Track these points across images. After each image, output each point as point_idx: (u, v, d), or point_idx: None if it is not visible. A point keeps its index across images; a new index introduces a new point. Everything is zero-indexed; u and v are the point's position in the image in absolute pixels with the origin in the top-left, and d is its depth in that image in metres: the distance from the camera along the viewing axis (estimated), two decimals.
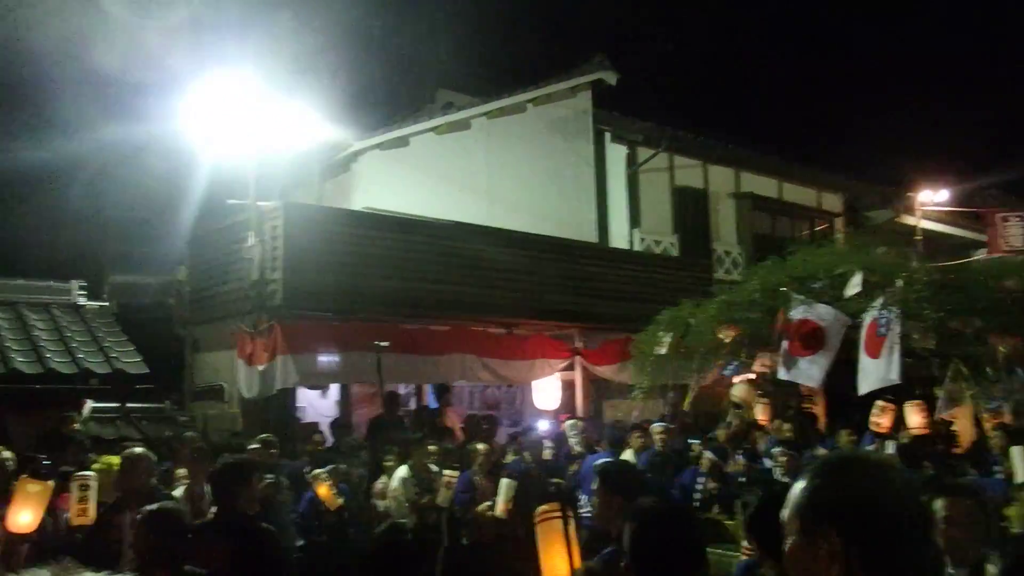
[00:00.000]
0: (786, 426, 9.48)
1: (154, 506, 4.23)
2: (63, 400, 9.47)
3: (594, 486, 4.27)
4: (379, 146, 13.27)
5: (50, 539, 5.82)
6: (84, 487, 6.57)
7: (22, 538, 5.59)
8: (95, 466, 7.42)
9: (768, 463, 8.59)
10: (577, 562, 3.92)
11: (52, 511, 7.12)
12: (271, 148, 11.10)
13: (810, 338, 8.42)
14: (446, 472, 8.19)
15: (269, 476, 8.09)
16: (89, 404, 9.90)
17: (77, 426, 9.10)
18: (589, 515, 7.76)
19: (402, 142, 13.53)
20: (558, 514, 4.06)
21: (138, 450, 6.24)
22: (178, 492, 7.38)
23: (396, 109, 15.73)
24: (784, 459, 7.93)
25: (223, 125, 10.60)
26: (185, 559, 3.93)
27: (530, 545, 4.15)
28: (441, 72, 17.94)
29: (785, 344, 8.72)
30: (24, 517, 5.61)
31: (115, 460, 7.51)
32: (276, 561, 4.77)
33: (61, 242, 18.18)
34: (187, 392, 12.26)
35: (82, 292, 11.32)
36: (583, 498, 8.02)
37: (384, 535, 4.05)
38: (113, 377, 9.78)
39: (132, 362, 9.98)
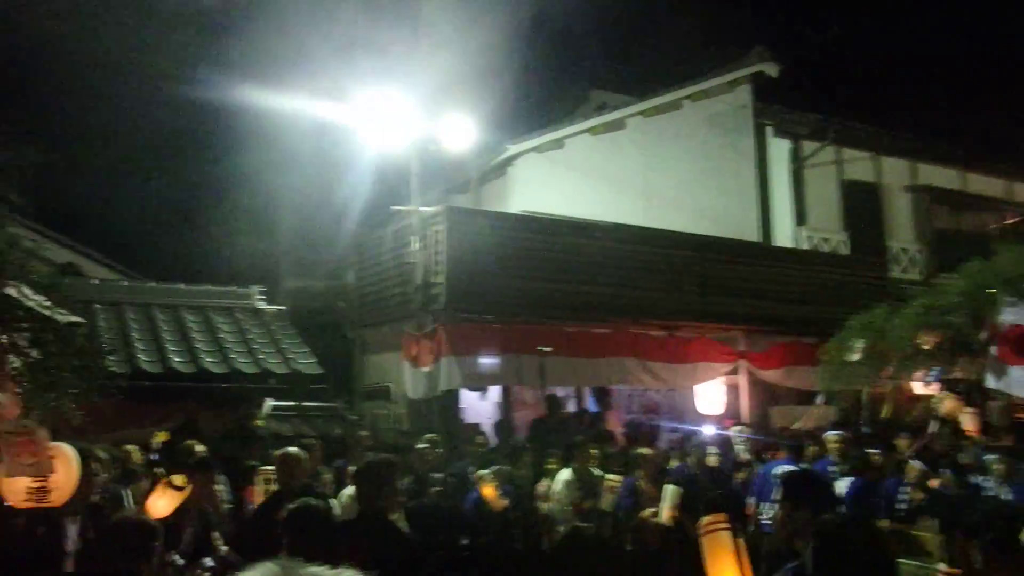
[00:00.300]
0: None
1: (299, 503, 4.36)
2: (246, 398, 10.04)
3: (777, 497, 4.05)
4: (535, 149, 13.34)
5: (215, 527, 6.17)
6: (268, 480, 6.93)
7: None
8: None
9: (978, 478, 7.95)
10: None
11: (240, 501, 7.61)
12: (432, 154, 11.39)
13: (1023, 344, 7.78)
14: (609, 476, 8.07)
15: (437, 475, 8.29)
16: (268, 402, 10.43)
17: (259, 423, 9.62)
18: (769, 525, 7.50)
19: (557, 144, 13.55)
20: (725, 525, 3.88)
21: (292, 450, 6.48)
22: (348, 491, 7.64)
23: (551, 112, 15.79)
24: (1001, 467, 7.35)
25: (387, 133, 10.96)
26: (326, 556, 4.03)
27: (696, 556, 3.99)
28: (594, 73, 17.88)
29: (994, 351, 8.08)
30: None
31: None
32: (411, 562, 4.82)
33: (240, 250, 19.44)
34: (356, 392, 12.75)
35: (261, 296, 11.99)
36: (762, 507, 7.74)
37: (567, 539, 4.00)
38: (290, 377, 10.27)
39: (307, 363, 10.46)
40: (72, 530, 4.20)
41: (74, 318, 2.76)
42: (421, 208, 11.00)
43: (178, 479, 5.42)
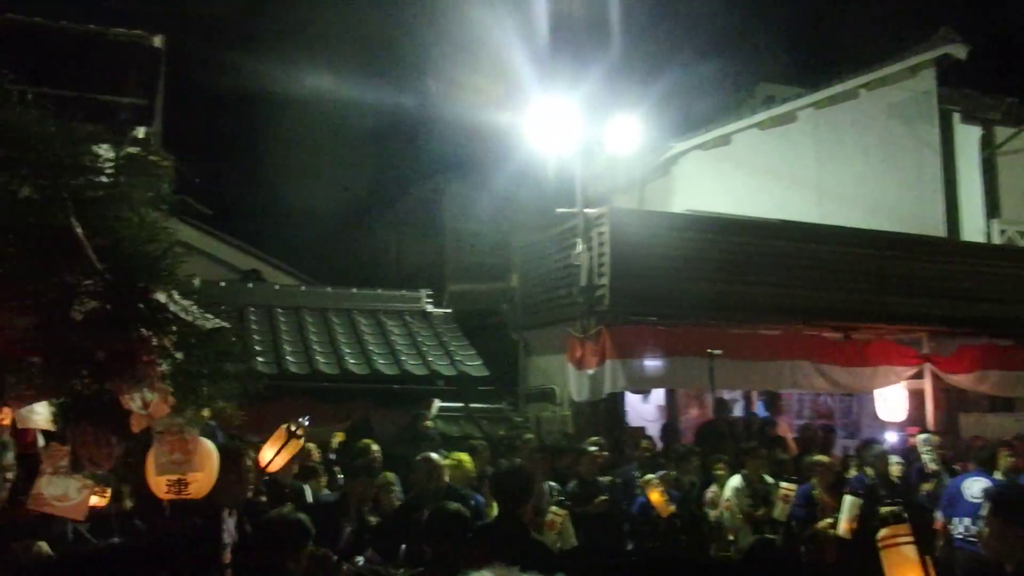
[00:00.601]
0: None
1: (436, 508, 4.41)
2: (416, 399, 10.33)
3: (985, 512, 3.71)
4: (699, 146, 13.01)
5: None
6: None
7: None
8: (446, 461, 7.93)
9: None
10: None
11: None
12: (595, 155, 11.33)
13: None
14: (783, 484, 7.72)
15: (604, 479, 8.22)
16: (437, 403, 10.67)
17: (429, 423, 9.86)
18: (963, 539, 6.96)
19: (723, 141, 13.15)
20: (909, 538, 3.58)
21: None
22: None
23: (716, 107, 15.34)
24: None
25: (549, 136, 11.00)
26: (463, 559, 4.05)
27: (876, 572, 3.70)
28: (760, 65, 17.24)
29: None
30: None
31: (464, 457, 8.02)
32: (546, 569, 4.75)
33: (407, 255, 20.10)
34: (521, 394, 12.86)
35: (429, 300, 12.32)
36: (954, 522, 7.20)
37: (755, 549, 3.81)
38: (458, 379, 10.50)
39: (474, 365, 10.65)
40: (230, 523, 4.44)
41: (218, 323, 2.88)
42: (585, 210, 10.95)
43: None
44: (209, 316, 2.81)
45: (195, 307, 2.76)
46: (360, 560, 5.87)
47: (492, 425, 11.43)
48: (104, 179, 2.70)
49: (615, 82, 11.99)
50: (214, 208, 15.88)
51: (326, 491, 8.15)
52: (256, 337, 10.68)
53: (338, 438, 9.71)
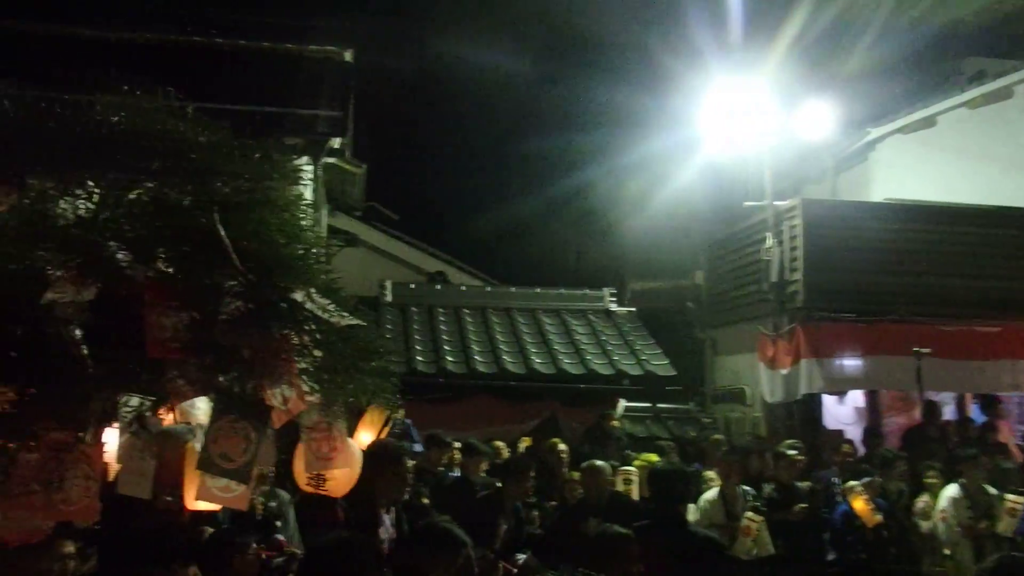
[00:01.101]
0: None
1: (605, 530, 4.27)
2: (602, 399, 10.26)
3: None
4: (900, 130, 12.12)
5: None
6: (628, 481, 6.99)
7: None
8: (636, 462, 7.82)
9: None
10: None
11: None
12: (783, 145, 10.83)
13: None
14: (1009, 496, 7.06)
15: (802, 485, 7.80)
16: (622, 403, 10.56)
17: (615, 423, 9.76)
18: None
19: (927, 123, 12.19)
20: None
21: (598, 462, 6.39)
22: (710, 495, 7.44)
23: (917, 87, 14.25)
24: None
25: (733, 127, 10.62)
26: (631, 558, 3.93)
27: None
28: (966, 38, 15.84)
29: None
30: None
31: (653, 457, 7.88)
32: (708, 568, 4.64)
33: (587, 253, 20.08)
34: (708, 394, 12.51)
35: (612, 299, 12.23)
36: None
37: (999, 568, 3.42)
38: (644, 378, 10.34)
39: (660, 364, 10.47)
40: (387, 520, 4.59)
41: (354, 321, 2.89)
42: (775, 202, 10.49)
43: None
44: (344, 315, 2.84)
45: (333, 306, 2.81)
46: (519, 557, 5.86)
47: (679, 426, 11.20)
48: (248, 184, 2.78)
49: (804, 64, 11.37)
50: (400, 213, 16.55)
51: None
52: (444, 337, 10.97)
53: (525, 443, 9.81)
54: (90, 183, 2.67)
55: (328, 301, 2.80)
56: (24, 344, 2.70)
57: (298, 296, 2.67)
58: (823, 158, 12.46)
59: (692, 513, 7.46)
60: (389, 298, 11.75)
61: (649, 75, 13.58)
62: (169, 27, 10.50)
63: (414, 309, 11.63)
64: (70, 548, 3.46)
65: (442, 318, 11.53)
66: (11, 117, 2.59)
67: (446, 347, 10.66)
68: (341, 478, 3.59)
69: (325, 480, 3.57)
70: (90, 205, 2.68)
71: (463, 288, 12.79)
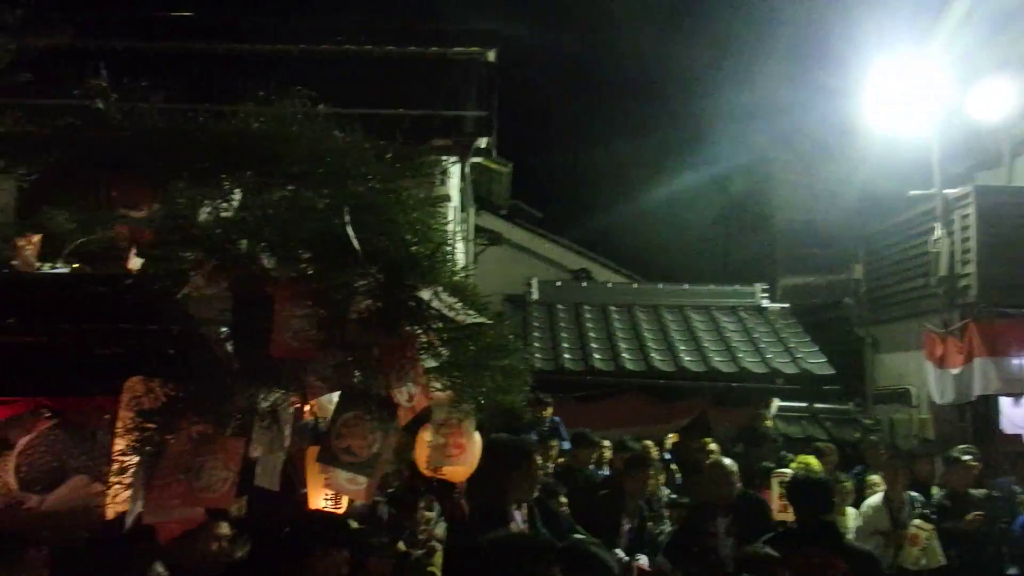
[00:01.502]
0: None
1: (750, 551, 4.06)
2: (754, 398, 9.95)
3: None
4: None
5: None
6: (784, 483, 6.70)
7: None
8: (792, 464, 7.53)
9: None
10: None
11: None
12: (953, 128, 10.13)
13: None
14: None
15: (978, 492, 7.28)
16: (776, 402, 10.20)
17: (768, 423, 9.44)
18: None
19: None
20: None
21: (726, 461, 6.10)
22: (874, 500, 7.08)
23: None
24: None
25: (897, 110, 10.02)
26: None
27: None
28: None
29: None
30: None
31: (812, 460, 7.54)
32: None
33: (735, 248, 19.54)
34: (869, 394, 11.89)
35: (764, 295, 11.83)
36: None
37: None
38: (799, 377, 9.94)
39: (817, 363, 10.03)
40: (517, 516, 4.52)
41: (479, 319, 2.85)
42: (944, 191, 9.83)
43: None
44: (470, 313, 2.83)
45: (460, 304, 2.80)
46: (641, 560, 5.71)
47: (838, 427, 10.68)
48: (380, 185, 2.81)
49: (977, 39, 10.52)
50: (543, 210, 16.64)
51: (664, 488, 8.12)
52: (592, 335, 10.93)
53: (672, 439, 9.64)
54: (229, 187, 2.80)
55: (455, 299, 2.82)
56: (172, 342, 2.86)
57: (425, 295, 2.71)
58: (998, 141, 11.55)
59: (854, 519, 7.13)
60: (536, 296, 11.81)
61: (802, 58, 13.01)
62: (319, 37, 10.96)
63: (560, 307, 11.63)
64: (225, 530, 3.66)
65: (589, 316, 11.49)
66: (157, 127, 2.74)
67: (593, 344, 10.60)
68: (459, 469, 3.67)
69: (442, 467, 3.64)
70: (230, 208, 2.81)
71: (609, 285, 12.70)
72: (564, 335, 10.89)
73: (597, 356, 10.30)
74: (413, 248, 2.61)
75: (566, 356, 10.31)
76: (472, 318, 2.73)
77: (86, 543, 3.37)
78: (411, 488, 4.99)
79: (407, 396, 2.57)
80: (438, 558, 4.44)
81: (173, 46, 10.79)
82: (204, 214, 2.66)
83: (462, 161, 9.81)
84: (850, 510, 7.20)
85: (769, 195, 16.53)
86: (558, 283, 12.56)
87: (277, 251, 2.55)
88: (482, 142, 10.02)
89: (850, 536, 6.62)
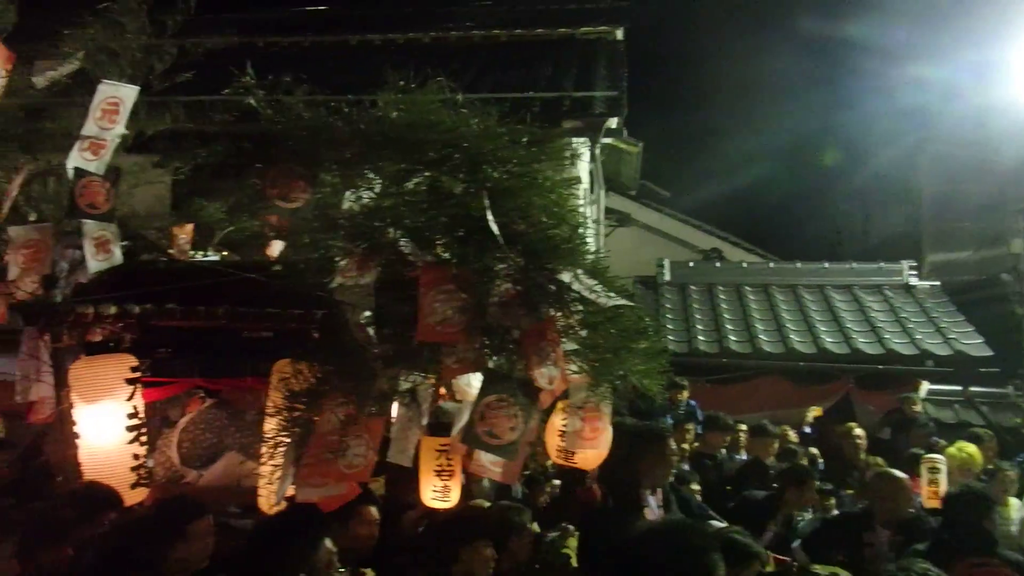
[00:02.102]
0: None
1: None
2: (901, 381, 9.45)
3: None
4: None
5: None
6: (934, 470, 6.32)
7: None
8: (949, 451, 7.09)
9: None
10: None
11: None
12: None
13: None
14: None
15: None
16: (925, 385, 9.65)
17: (917, 408, 8.95)
18: None
19: None
20: None
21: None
22: None
23: None
24: None
25: None
26: None
27: None
28: None
29: None
30: None
31: (972, 448, 7.08)
32: None
33: (875, 224, 18.61)
34: None
35: (912, 272, 11.19)
36: None
37: None
38: (952, 359, 9.36)
39: (972, 343, 9.41)
40: (652, 501, 4.41)
41: (619, 301, 2.75)
42: None
43: None
44: (611, 295, 2.75)
45: (598, 287, 2.73)
46: None
47: (995, 412, 9.98)
48: (517, 169, 2.77)
49: None
50: (671, 190, 16.30)
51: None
52: (726, 316, 10.65)
53: (814, 412, 9.25)
54: (372, 175, 2.85)
55: (595, 282, 2.77)
56: (319, 326, 2.92)
57: (565, 277, 2.67)
58: None
59: (1017, 509, 6.65)
60: (667, 277, 11.57)
61: (951, 27, 12.17)
62: (448, 24, 11.11)
63: (693, 288, 11.36)
64: (375, 515, 3.74)
65: (723, 296, 11.19)
66: (305, 120, 2.81)
67: (728, 326, 10.32)
68: (591, 454, 3.60)
69: (575, 454, 3.58)
70: (372, 196, 2.85)
71: (744, 265, 12.28)
72: (698, 316, 10.64)
73: (732, 338, 10.03)
74: (551, 231, 2.59)
75: (700, 338, 10.07)
76: (613, 300, 2.69)
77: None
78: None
79: (548, 379, 2.55)
80: (572, 541, 4.42)
81: (306, 40, 11.20)
82: (348, 203, 2.72)
83: (592, 142, 9.70)
84: (1013, 501, 6.72)
85: (917, 167, 15.61)
86: (690, 263, 12.27)
87: (418, 237, 2.58)
88: (612, 122, 9.88)
89: (1014, 528, 6.19)
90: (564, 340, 2.67)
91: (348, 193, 2.73)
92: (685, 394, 8.20)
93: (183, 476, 4.31)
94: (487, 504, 4.19)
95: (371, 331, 2.70)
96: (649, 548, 2.98)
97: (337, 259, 2.62)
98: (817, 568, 4.68)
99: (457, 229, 2.63)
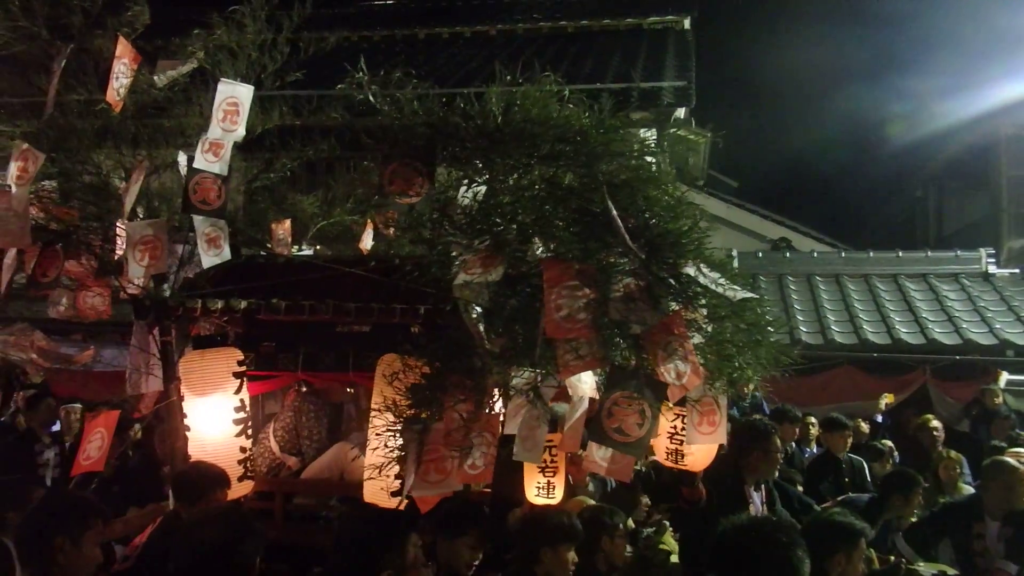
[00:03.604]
0: None
1: None
2: (979, 371, 9.24)
3: None
4: None
5: None
6: (1021, 463, 6.17)
7: None
8: None
9: None
10: None
11: None
12: None
13: None
14: None
15: None
16: (1004, 376, 9.42)
17: (998, 400, 8.75)
18: None
19: None
20: None
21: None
22: None
23: None
24: None
25: None
26: None
27: None
28: None
29: None
30: None
31: None
32: None
33: (949, 212, 18.10)
34: None
35: (991, 259, 10.90)
36: None
37: None
38: None
39: None
40: (756, 497, 4.43)
41: (745, 294, 2.73)
42: None
43: None
44: (736, 288, 2.73)
45: (723, 279, 2.71)
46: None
47: None
48: (633, 162, 2.77)
49: None
50: (740, 179, 16.10)
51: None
52: (797, 307, 10.50)
53: (887, 399, 9.09)
54: (486, 171, 2.88)
55: (718, 275, 2.77)
56: (431, 321, 2.94)
57: (690, 271, 2.68)
58: None
59: None
60: (736, 267, 11.44)
61: None
62: (515, 16, 11.13)
63: (763, 278, 11.22)
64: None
65: (793, 287, 11.04)
66: (422, 116, 2.85)
67: (800, 317, 10.16)
68: (699, 453, 3.54)
69: (684, 456, 3.55)
70: (491, 191, 2.88)
71: (815, 254, 12.08)
72: (768, 307, 10.47)
73: (804, 329, 9.88)
74: (672, 224, 2.60)
75: (769, 329, 9.92)
76: (741, 293, 2.70)
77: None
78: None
79: (675, 374, 2.56)
80: (668, 537, 4.43)
81: (376, 35, 11.33)
82: (465, 199, 2.76)
83: (660, 133, 9.66)
84: None
85: (997, 151, 15.13)
86: (759, 254, 12.11)
87: (538, 233, 2.62)
88: (680, 112, 9.83)
89: None
90: (692, 335, 2.67)
91: (463, 189, 2.77)
92: (751, 386, 8.12)
93: (282, 464, 4.44)
94: (589, 501, 4.19)
95: (482, 327, 2.73)
96: (736, 543, 3.01)
97: (456, 255, 2.65)
98: (923, 566, 4.64)
99: (576, 224, 2.65)
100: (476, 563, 3.52)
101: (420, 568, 3.25)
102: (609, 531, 3.74)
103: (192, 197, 3.53)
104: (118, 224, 4.01)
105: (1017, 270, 11.04)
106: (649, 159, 2.78)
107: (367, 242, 5.05)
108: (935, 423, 8.11)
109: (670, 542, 4.37)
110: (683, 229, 2.59)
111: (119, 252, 3.97)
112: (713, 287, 2.62)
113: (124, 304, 4.14)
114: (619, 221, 2.53)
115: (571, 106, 2.79)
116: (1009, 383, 9.50)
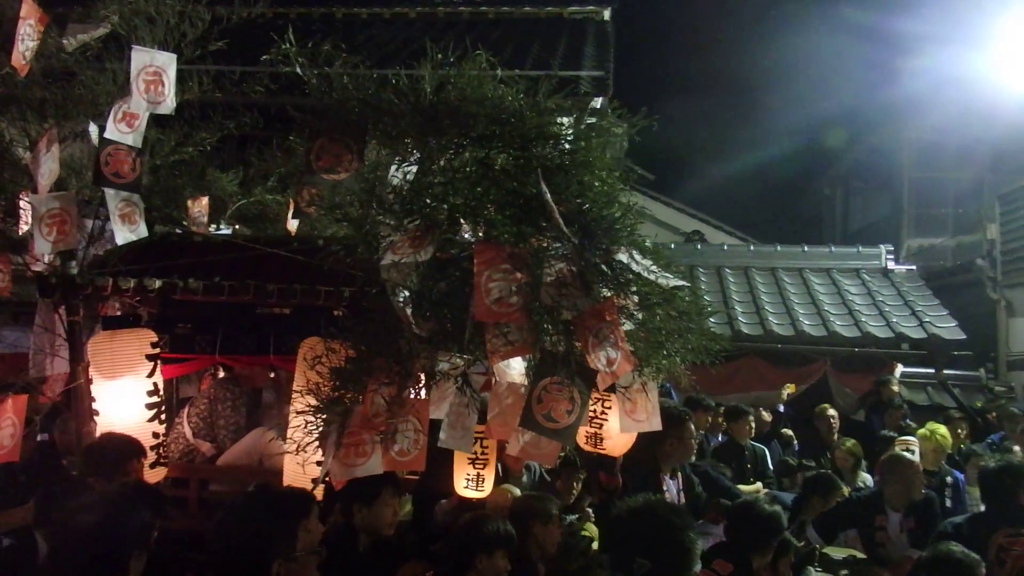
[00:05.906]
0: None
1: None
2: (876, 364, 9.61)
3: None
4: None
5: None
6: (907, 451, 6.48)
7: None
8: (920, 432, 7.28)
9: None
10: None
11: None
12: None
13: None
14: None
15: None
16: (899, 368, 9.85)
17: (894, 390, 9.13)
18: None
19: None
20: None
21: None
22: None
23: None
24: None
25: None
26: None
27: None
28: None
29: None
30: None
31: (942, 429, 7.27)
32: None
33: (853, 210, 18.85)
34: (1002, 360, 11.35)
35: (890, 256, 11.38)
36: None
37: None
38: (926, 342, 9.53)
39: (946, 327, 9.59)
40: (672, 484, 4.55)
41: (677, 282, 2.80)
42: None
43: None
44: (668, 276, 2.79)
45: (654, 267, 2.77)
46: None
47: (966, 394, 10.25)
48: (567, 147, 2.78)
49: None
50: (654, 172, 16.34)
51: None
52: (706, 298, 10.72)
53: (788, 390, 9.40)
54: (417, 151, 2.84)
55: (650, 262, 2.80)
56: (356, 304, 2.88)
57: (623, 257, 2.69)
58: None
59: None
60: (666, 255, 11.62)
61: (930, 13, 12.29)
62: (436, 0, 11.01)
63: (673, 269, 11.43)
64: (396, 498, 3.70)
65: (703, 278, 11.29)
66: (352, 93, 2.79)
67: (708, 308, 10.38)
68: (618, 439, 3.55)
69: (602, 439, 3.58)
70: (418, 171, 2.84)
71: (725, 247, 12.40)
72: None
73: (712, 320, 10.10)
74: (606, 210, 2.61)
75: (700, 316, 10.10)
76: (672, 281, 2.73)
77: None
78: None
79: (606, 361, 2.56)
80: (590, 525, 4.46)
81: (291, 12, 11.03)
82: (396, 179, 2.71)
83: (576, 122, 9.68)
84: None
85: (898, 154, 15.81)
86: (671, 245, 12.35)
87: (469, 214, 2.59)
88: (597, 103, 9.87)
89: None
90: (623, 322, 2.67)
91: (394, 168, 2.72)
92: (661, 377, 8.29)
93: (196, 450, 4.31)
94: (516, 491, 4.14)
95: (410, 311, 2.68)
96: (630, 526, 3.10)
97: (384, 235, 2.60)
98: (833, 550, 4.84)
99: (510, 207, 2.63)
100: (397, 519, 3.49)
101: (311, 555, 3.03)
102: (542, 517, 3.69)
103: (104, 169, 3.37)
104: (21, 196, 3.80)
105: (914, 267, 11.55)
106: (582, 143, 2.78)
107: (292, 223, 4.92)
108: (832, 411, 8.45)
109: (592, 529, 4.40)
110: (617, 215, 2.60)
111: (24, 227, 3.77)
112: (645, 274, 2.64)
113: (27, 282, 3.93)
114: (553, 205, 2.51)
115: (504, 86, 2.77)
116: (903, 375, 9.95)
